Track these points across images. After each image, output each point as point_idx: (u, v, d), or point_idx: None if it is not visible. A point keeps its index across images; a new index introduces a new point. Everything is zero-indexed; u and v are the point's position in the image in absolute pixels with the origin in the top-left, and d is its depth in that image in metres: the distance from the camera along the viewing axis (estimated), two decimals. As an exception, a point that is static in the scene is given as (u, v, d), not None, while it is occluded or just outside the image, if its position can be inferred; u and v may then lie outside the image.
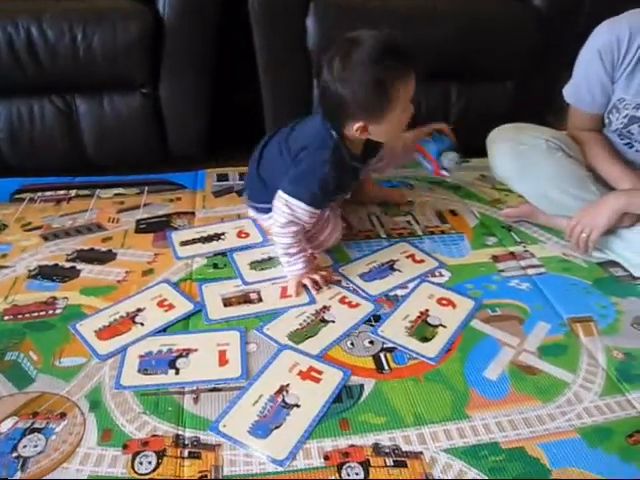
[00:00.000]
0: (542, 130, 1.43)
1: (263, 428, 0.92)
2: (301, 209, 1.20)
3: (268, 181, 1.33)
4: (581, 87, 1.36)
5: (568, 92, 1.41)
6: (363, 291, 1.25)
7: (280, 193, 1.22)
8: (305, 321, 1.16)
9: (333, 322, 1.15)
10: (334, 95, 1.15)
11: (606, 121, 1.38)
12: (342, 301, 1.22)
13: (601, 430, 0.93)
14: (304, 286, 1.25)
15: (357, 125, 1.17)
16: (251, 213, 1.48)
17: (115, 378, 1.01)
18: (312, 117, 1.31)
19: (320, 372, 1.02)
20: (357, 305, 1.20)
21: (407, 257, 1.37)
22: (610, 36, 1.27)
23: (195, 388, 1.00)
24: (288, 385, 1.00)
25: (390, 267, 1.34)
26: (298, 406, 0.96)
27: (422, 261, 1.36)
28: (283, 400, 0.97)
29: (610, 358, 1.07)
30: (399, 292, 1.24)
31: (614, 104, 1.33)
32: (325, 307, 1.20)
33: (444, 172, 1.40)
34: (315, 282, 1.25)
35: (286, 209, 1.20)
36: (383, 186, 1.66)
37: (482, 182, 1.73)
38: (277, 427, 0.92)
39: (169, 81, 1.67)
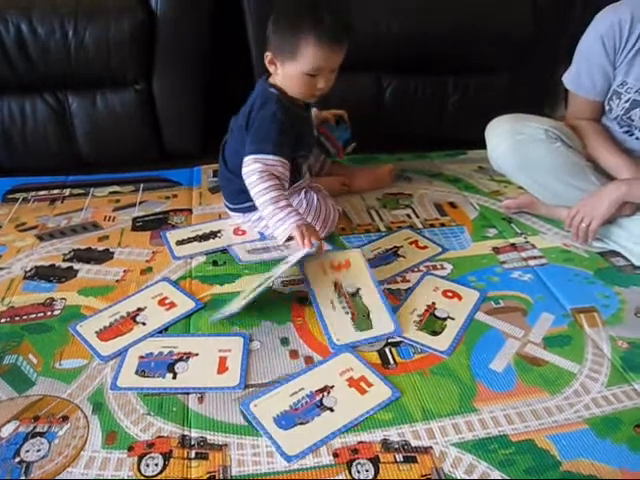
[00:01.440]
0: (541, 120, 1.42)
1: (289, 420, 0.92)
2: (271, 161, 1.24)
3: (239, 169, 1.31)
4: (582, 73, 1.36)
5: (568, 79, 1.40)
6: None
7: (246, 158, 1.25)
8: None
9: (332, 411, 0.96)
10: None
11: (606, 108, 1.38)
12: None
13: (609, 420, 0.92)
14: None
15: (267, 53, 1.25)
16: (232, 216, 1.47)
17: (112, 379, 1.00)
18: (252, 93, 1.36)
19: (370, 385, 0.98)
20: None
21: (410, 243, 1.38)
22: (613, 21, 1.27)
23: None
24: (333, 387, 0.98)
25: (394, 253, 1.34)
26: (332, 410, 0.94)
27: (425, 247, 1.37)
28: (321, 400, 0.95)
29: (615, 348, 1.07)
30: (402, 286, 1.23)
31: (614, 90, 1.33)
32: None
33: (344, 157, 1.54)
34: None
35: (257, 164, 1.23)
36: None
37: (481, 174, 1.73)
38: (302, 423, 0.91)
39: (163, 77, 1.65)
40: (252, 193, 1.24)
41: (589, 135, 1.40)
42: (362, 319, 1.12)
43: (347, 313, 1.13)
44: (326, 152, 1.50)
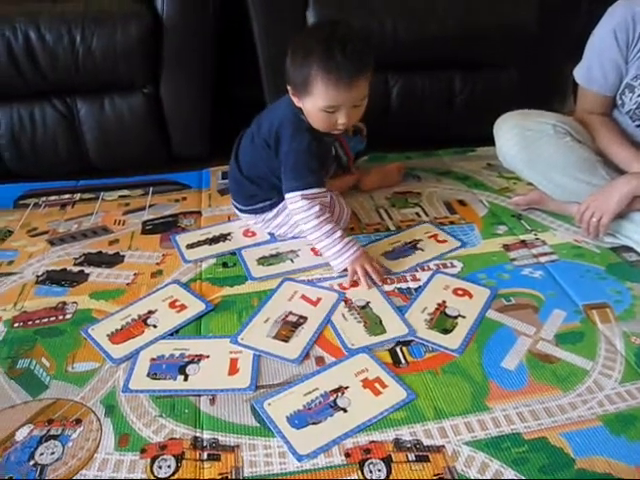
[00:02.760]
0: (549, 115, 1.41)
1: (302, 419, 0.92)
2: (316, 193, 1.23)
3: (256, 178, 1.35)
4: (593, 67, 1.35)
5: (579, 73, 1.39)
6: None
7: (289, 195, 1.25)
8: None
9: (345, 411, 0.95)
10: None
11: (618, 102, 1.37)
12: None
13: (624, 417, 0.91)
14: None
15: (289, 87, 1.23)
16: (242, 217, 1.47)
17: (124, 381, 1.00)
18: (275, 105, 1.35)
19: (385, 386, 0.98)
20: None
21: (430, 237, 1.39)
22: (625, 14, 1.26)
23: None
24: (347, 388, 0.98)
25: (413, 247, 1.36)
26: (345, 411, 0.93)
27: (444, 241, 1.38)
28: (334, 400, 0.95)
29: (628, 344, 1.06)
30: (412, 285, 1.23)
31: (627, 84, 1.32)
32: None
33: (354, 170, 1.55)
34: (366, 272, 1.22)
35: (304, 201, 1.23)
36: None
37: (489, 171, 1.72)
38: (315, 423, 0.91)
39: (170, 81, 1.66)
40: (304, 228, 1.26)
41: (599, 129, 1.39)
42: (375, 325, 1.12)
43: (359, 322, 1.14)
44: (337, 159, 1.48)
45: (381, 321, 1.13)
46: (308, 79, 1.16)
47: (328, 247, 1.23)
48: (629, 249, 1.32)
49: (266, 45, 1.67)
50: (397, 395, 0.96)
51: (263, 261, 1.32)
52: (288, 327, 1.11)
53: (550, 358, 1.03)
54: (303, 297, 1.20)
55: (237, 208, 1.45)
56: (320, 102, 1.18)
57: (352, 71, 1.15)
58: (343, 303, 1.18)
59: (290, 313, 1.15)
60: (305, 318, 1.14)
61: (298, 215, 1.25)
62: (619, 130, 1.39)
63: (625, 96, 1.34)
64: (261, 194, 1.37)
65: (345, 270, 1.24)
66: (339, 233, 1.23)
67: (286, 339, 1.09)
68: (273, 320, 1.13)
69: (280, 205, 1.36)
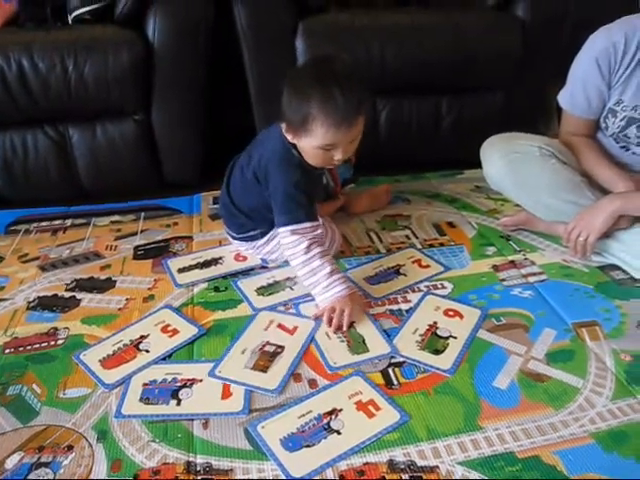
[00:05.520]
0: (534, 138, 1.44)
1: (295, 442, 0.92)
2: (308, 228, 1.22)
3: (248, 211, 1.36)
4: (577, 93, 1.38)
5: (564, 98, 1.43)
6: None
7: (280, 230, 1.24)
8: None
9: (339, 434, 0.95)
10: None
11: (602, 125, 1.40)
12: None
13: (616, 434, 0.92)
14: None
15: (283, 125, 1.22)
16: (233, 243, 1.47)
17: (116, 406, 1.00)
18: (265, 137, 1.34)
19: (378, 408, 0.97)
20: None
21: (413, 262, 1.39)
22: (607, 43, 1.29)
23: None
24: (341, 410, 0.97)
25: (396, 271, 1.36)
26: (339, 433, 0.93)
27: (427, 266, 1.38)
28: (328, 423, 0.95)
29: (618, 361, 1.07)
30: (403, 306, 1.24)
31: (610, 108, 1.35)
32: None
33: (341, 197, 1.56)
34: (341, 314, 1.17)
35: (294, 237, 1.21)
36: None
37: (477, 193, 1.74)
38: (308, 446, 0.91)
39: (161, 107, 1.68)
40: (293, 264, 1.23)
41: (583, 151, 1.41)
42: (358, 344, 1.13)
43: (342, 341, 1.14)
44: (325, 187, 1.49)
45: (364, 340, 1.14)
46: (307, 119, 1.15)
47: (314, 284, 1.20)
48: (616, 267, 1.34)
49: (256, 72, 1.70)
50: (390, 417, 0.96)
51: (262, 291, 1.31)
52: (266, 357, 1.10)
53: (541, 377, 1.04)
54: (280, 326, 1.19)
55: (230, 235, 1.46)
56: (319, 142, 1.17)
57: (352, 111, 1.15)
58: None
59: (267, 343, 1.14)
60: (282, 347, 1.13)
61: (287, 251, 1.23)
62: (603, 151, 1.42)
63: (609, 120, 1.37)
64: (252, 224, 1.38)
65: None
66: (328, 269, 1.19)
67: (264, 369, 1.07)
68: (250, 351, 1.12)
69: (271, 233, 1.36)
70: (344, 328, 1.16)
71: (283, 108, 1.20)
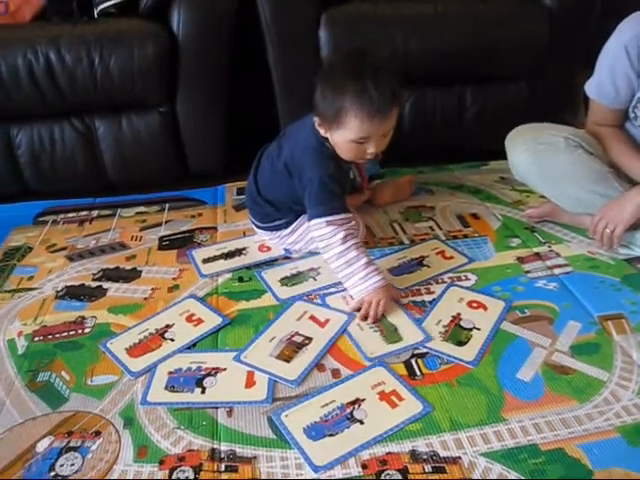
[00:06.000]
0: (560, 129, 1.42)
1: (318, 431, 0.92)
2: (343, 219, 1.22)
3: (274, 201, 1.37)
4: (605, 82, 1.36)
5: (591, 87, 1.40)
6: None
7: (313, 222, 1.23)
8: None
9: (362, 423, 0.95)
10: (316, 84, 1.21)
11: (631, 115, 1.37)
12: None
13: (641, 428, 0.91)
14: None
15: (316, 118, 1.23)
16: (258, 232, 1.48)
17: (142, 394, 1.02)
18: (297, 129, 1.34)
19: (401, 399, 0.98)
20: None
21: (437, 253, 1.39)
22: (636, 30, 1.27)
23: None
24: (364, 400, 0.98)
25: (419, 263, 1.36)
26: (362, 423, 0.94)
27: (451, 257, 1.37)
28: (351, 412, 0.96)
29: (645, 355, 1.06)
30: (427, 298, 1.23)
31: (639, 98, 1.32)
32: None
33: (366, 192, 1.56)
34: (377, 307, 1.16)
35: (329, 227, 1.21)
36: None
37: (502, 184, 1.72)
38: (331, 435, 0.92)
39: (186, 99, 1.69)
40: (327, 256, 1.22)
41: (611, 141, 1.39)
42: (391, 333, 1.13)
43: (375, 331, 1.14)
44: (352, 181, 1.48)
45: (397, 329, 1.14)
46: (341, 112, 1.16)
47: (349, 276, 1.20)
48: (644, 260, 1.32)
49: (280, 66, 1.70)
50: (413, 408, 0.96)
51: (286, 281, 1.32)
52: (292, 347, 1.11)
53: (566, 369, 1.03)
54: (312, 318, 1.19)
55: (255, 224, 1.47)
56: (352, 135, 1.18)
57: (386, 104, 1.16)
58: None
59: (296, 333, 1.14)
60: (310, 339, 1.13)
61: (322, 242, 1.22)
62: (631, 141, 1.39)
63: (638, 109, 1.34)
64: (278, 214, 1.39)
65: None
66: (364, 260, 1.19)
67: (288, 359, 1.08)
68: (278, 339, 1.13)
69: (295, 223, 1.37)
70: (378, 317, 1.17)
71: (316, 103, 1.21)
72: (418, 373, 1.04)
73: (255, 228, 1.48)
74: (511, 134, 1.47)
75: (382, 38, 1.65)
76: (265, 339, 1.14)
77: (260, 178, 1.40)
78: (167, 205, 1.70)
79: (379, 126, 1.18)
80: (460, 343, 1.10)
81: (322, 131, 1.23)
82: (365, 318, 1.17)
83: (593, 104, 1.43)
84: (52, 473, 0.88)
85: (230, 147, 1.82)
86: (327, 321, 1.18)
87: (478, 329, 1.13)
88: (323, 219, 1.22)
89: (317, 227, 1.23)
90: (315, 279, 1.32)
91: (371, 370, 1.05)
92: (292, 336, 1.14)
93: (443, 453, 0.88)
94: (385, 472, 0.86)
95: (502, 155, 1.49)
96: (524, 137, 1.43)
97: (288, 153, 1.30)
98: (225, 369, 1.07)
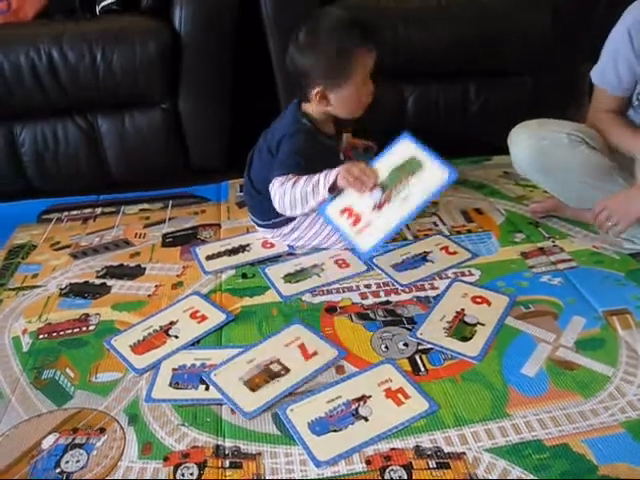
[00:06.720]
0: (563, 124, 1.41)
1: (323, 426, 0.93)
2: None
3: (266, 190, 1.34)
4: (608, 67, 1.35)
5: (595, 72, 1.39)
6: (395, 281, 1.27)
7: (274, 180, 1.26)
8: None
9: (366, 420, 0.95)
10: (297, 64, 1.26)
11: (635, 103, 1.36)
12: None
13: (647, 423, 0.91)
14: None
15: (316, 90, 1.25)
16: (259, 231, 1.48)
17: (147, 391, 1.02)
18: (279, 119, 1.38)
19: (407, 397, 0.97)
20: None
21: (441, 249, 1.39)
22: None
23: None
24: (370, 397, 0.98)
25: (423, 258, 1.36)
26: (367, 420, 0.94)
27: (455, 253, 1.37)
28: (356, 409, 0.96)
29: (650, 350, 1.05)
30: (430, 293, 1.23)
31: None
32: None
33: None
34: (355, 177, 1.19)
35: (280, 180, 1.25)
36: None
37: (505, 179, 1.72)
38: (335, 430, 0.92)
39: (188, 96, 1.69)
40: (282, 202, 1.25)
41: (612, 125, 1.37)
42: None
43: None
44: (341, 162, 1.50)
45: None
46: (350, 61, 1.22)
47: (314, 187, 1.21)
48: (649, 255, 1.31)
49: (282, 60, 1.68)
50: (419, 406, 0.96)
51: (290, 278, 1.31)
52: (265, 375, 1.03)
53: (570, 365, 1.03)
54: (301, 346, 1.10)
55: (255, 222, 1.47)
56: (359, 78, 1.25)
57: (372, 34, 1.26)
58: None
59: (277, 361, 1.06)
60: (288, 371, 1.04)
61: (275, 202, 1.26)
62: (631, 125, 1.38)
63: (641, 96, 1.34)
64: (274, 208, 1.38)
65: (334, 189, 1.21)
66: (316, 175, 1.22)
67: (255, 388, 1.01)
68: (256, 363, 1.06)
69: (295, 221, 1.37)
70: (369, 183, 1.20)
71: (312, 74, 1.24)
72: (422, 369, 1.03)
73: (256, 227, 1.48)
74: (513, 131, 1.45)
75: (385, 31, 1.64)
76: (245, 359, 1.07)
77: (252, 172, 1.42)
78: (170, 202, 1.70)
79: (374, 57, 1.26)
80: (464, 339, 1.10)
81: (324, 103, 1.27)
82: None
83: (596, 90, 1.41)
84: (57, 470, 0.88)
85: (233, 144, 1.82)
86: (314, 354, 1.08)
87: (482, 324, 1.13)
88: (279, 178, 1.25)
89: (271, 189, 1.26)
90: (319, 275, 1.32)
91: (379, 367, 1.05)
92: (271, 363, 1.06)
93: (447, 449, 0.88)
94: (389, 468, 0.86)
95: (506, 150, 1.47)
96: (527, 133, 1.42)
97: (270, 137, 1.34)
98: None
